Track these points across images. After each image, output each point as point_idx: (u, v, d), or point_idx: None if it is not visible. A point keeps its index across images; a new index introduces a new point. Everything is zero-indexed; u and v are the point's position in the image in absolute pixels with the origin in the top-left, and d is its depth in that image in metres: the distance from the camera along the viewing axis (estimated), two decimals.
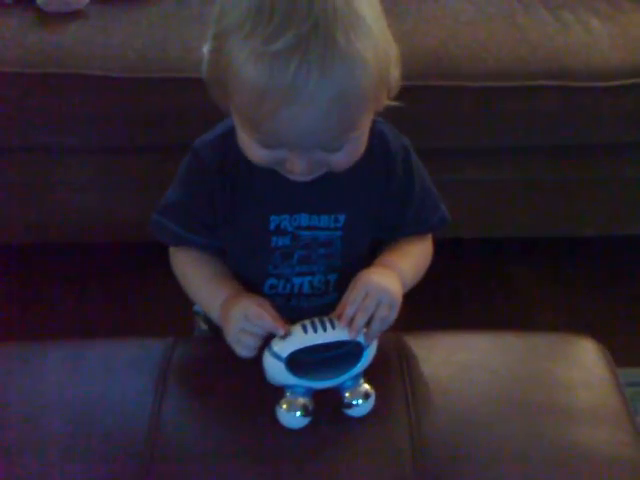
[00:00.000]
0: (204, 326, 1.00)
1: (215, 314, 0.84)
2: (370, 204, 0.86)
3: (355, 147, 0.76)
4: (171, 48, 1.38)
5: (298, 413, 0.79)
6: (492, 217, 1.58)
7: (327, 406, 0.81)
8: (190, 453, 0.79)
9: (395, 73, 0.76)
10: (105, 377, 0.86)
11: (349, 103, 0.69)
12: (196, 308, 1.01)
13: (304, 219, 0.84)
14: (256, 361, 0.79)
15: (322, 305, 0.87)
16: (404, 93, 1.48)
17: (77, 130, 1.40)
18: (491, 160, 1.50)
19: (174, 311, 1.14)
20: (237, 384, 0.84)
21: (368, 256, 0.89)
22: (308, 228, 0.85)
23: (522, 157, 1.50)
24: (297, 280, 0.87)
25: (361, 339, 0.78)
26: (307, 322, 0.78)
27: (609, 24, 1.48)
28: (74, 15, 1.45)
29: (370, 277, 0.80)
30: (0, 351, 0.90)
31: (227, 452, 0.79)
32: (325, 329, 0.78)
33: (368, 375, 0.82)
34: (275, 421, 0.80)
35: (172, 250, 0.90)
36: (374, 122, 0.83)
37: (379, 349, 0.82)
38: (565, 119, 1.42)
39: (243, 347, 0.79)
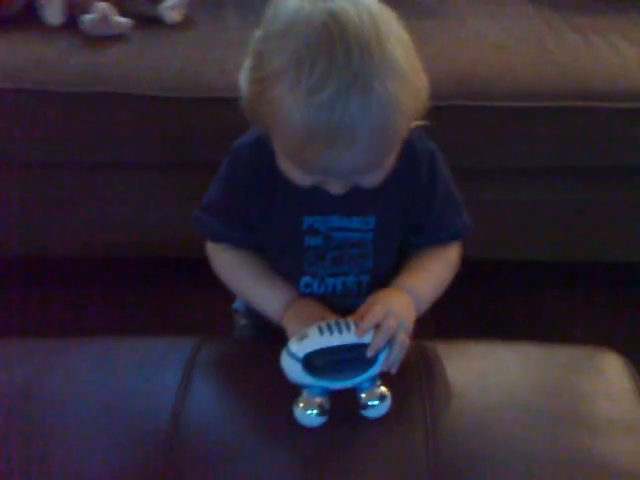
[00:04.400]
0: (243, 321, 1.04)
1: (274, 312, 0.89)
2: (398, 206, 0.89)
3: (387, 168, 0.80)
4: (207, 69, 1.43)
5: (314, 412, 0.81)
6: (522, 239, 1.58)
7: (344, 406, 0.82)
8: (208, 447, 0.81)
9: (426, 101, 0.80)
10: (132, 371, 0.89)
11: (386, 139, 0.75)
12: (235, 305, 1.05)
13: (336, 220, 0.88)
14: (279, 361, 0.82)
15: (356, 306, 0.88)
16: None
17: (115, 146, 1.45)
18: (521, 181, 1.51)
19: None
20: (259, 383, 0.87)
21: (397, 258, 0.93)
22: (340, 229, 0.89)
23: (552, 178, 1.51)
24: (330, 280, 0.91)
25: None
26: (324, 324, 0.81)
27: (638, 48, 1.50)
28: (116, 38, 1.52)
29: (392, 301, 0.84)
30: (38, 346, 0.94)
31: (244, 449, 0.81)
32: (341, 332, 0.80)
33: (386, 378, 0.83)
34: (293, 420, 0.82)
35: (211, 246, 0.95)
36: None
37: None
38: (593, 140, 1.43)
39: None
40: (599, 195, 1.52)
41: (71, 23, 1.55)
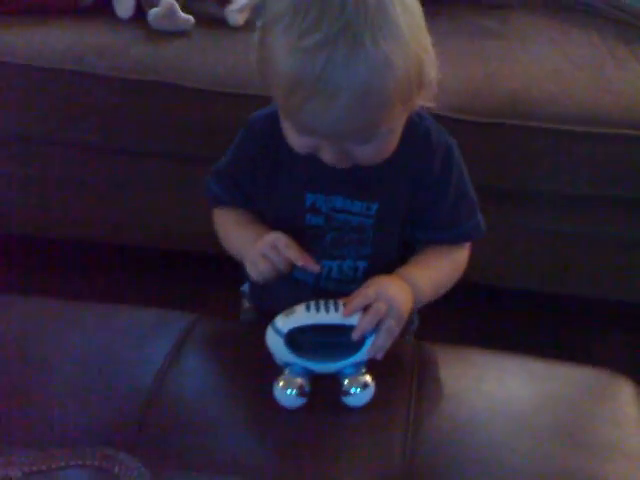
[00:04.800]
0: (247, 304, 1.04)
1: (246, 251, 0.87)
2: (404, 198, 0.87)
3: (384, 143, 0.79)
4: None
5: (294, 392, 0.79)
6: (559, 271, 1.53)
7: (325, 392, 0.81)
8: (185, 417, 0.80)
9: (431, 74, 0.77)
10: (124, 337, 0.90)
11: (372, 102, 0.72)
12: (242, 288, 1.05)
13: (339, 201, 0.87)
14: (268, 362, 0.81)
15: (349, 292, 0.87)
16: (478, 129, 1.49)
17: (161, 136, 1.49)
18: (569, 209, 1.47)
19: None
20: (247, 364, 0.86)
21: (400, 251, 0.91)
22: (342, 211, 0.88)
23: (598, 209, 1.46)
24: (327, 263, 0.90)
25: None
26: (312, 302, 0.80)
27: None
28: (179, 34, 1.57)
29: (387, 285, 0.82)
30: (39, 305, 0.96)
31: (222, 422, 0.80)
32: (328, 311, 0.79)
33: (376, 371, 0.81)
34: (275, 403, 0.80)
35: (215, 211, 0.96)
36: (421, 119, 0.87)
37: (395, 351, 0.82)
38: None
39: (256, 270, 0.83)
40: None
41: (140, 17, 1.60)
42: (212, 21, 1.63)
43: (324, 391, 0.81)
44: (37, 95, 1.49)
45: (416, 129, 0.86)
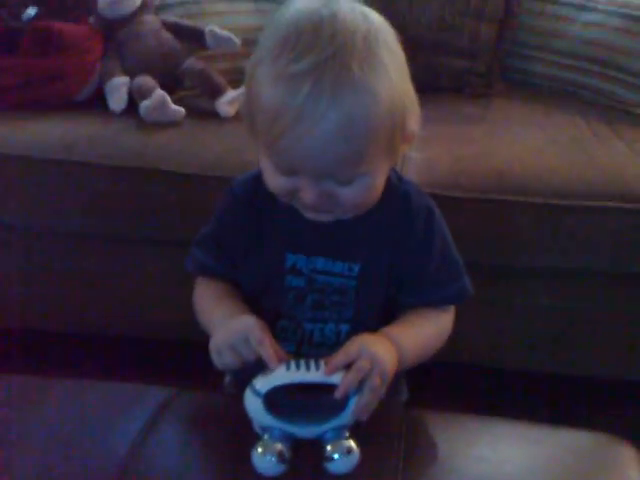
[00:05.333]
0: (228, 378, 1.00)
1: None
2: (386, 257, 0.86)
3: (365, 187, 0.78)
4: (247, 154, 1.47)
5: (273, 458, 0.75)
6: (561, 350, 1.50)
7: (307, 461, 0.77)
8: None
9: (413, 126, 0.79)
10: (98, 411, 0.86)
11: (357, 132, 0.72)
12: (227, 381, 1.01)
13: (320, 262, 0.86)
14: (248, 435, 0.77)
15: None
16: (466, 206, 1.50)
17: (152, 221, 1.50)
18: (559, 284, 1.46)
19: None
20: (227, 437, 0.82)
21: (383, 314, 0.88)
22: (323, 272, 0.86)
23: (591, 284, 1.45)
24: (308, 326, 0.88)
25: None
26: (292, 361, 0.77)
27: None
28: (170, 125, 1.61)
29: (371, 342, 0.79)
30: (22, 382, 0.93)
31: None
32: (309, 369, 0.76)
33: (362, 439, 0.77)
34: (254, 471, 0.76)
35: (197, 281, 0.94)
36: (401, 182, 0.88)
37: (382, 419, 0.79)
38: (631, 243, 1.37)
39: (220, 361, 0.79)
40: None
41: (132, 110, 1.64)
42: (203, 113, 1.68)
43: (305, 458, 0.76)
44: (30, 185, 1.51)
45: (396, 191, 0.87)
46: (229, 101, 1.67)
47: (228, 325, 0.81)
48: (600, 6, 1.80)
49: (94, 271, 1.57)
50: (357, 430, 0.77)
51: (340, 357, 0.77)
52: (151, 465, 0.79)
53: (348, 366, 0.76)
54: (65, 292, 1.58)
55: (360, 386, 0.76)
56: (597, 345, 1.48)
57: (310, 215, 0.82)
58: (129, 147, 1.51)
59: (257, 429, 0.79)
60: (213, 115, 1.67)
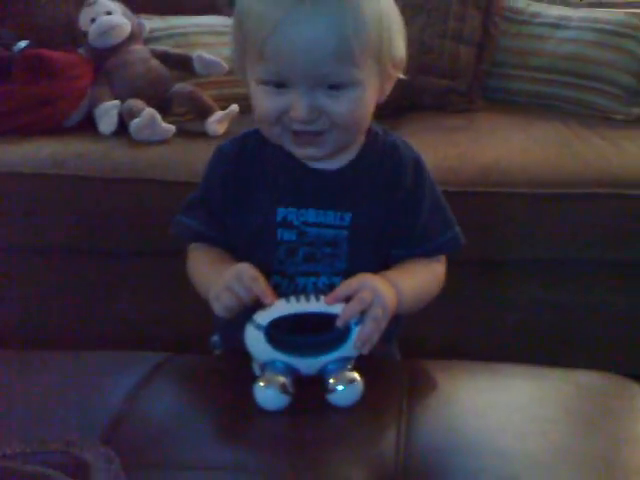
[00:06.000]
0: (218, 351, 0.99)
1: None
2: (377, 207, 0.87)
3: (354, 101, 0.80)
4: None
5: (275, 390, 0.74)
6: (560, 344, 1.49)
7: (311, 396, 0.75)
8: (160, 429, 0.74)
9: (401, 52, 0.83)
10: (92, 375, 0.85)
11: (345, 26, 0.76)
12: (213, 338, 1.00)
13: (311, 215, 0.86)
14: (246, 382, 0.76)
15: None
16: (454, 200, 1.51)
17: (146, 232, 1.50)
18: (553, 277, 1.46)
19: None
20: (223, 390, 0.80)
21: (376, 269, 0.87)
22: (314, 224, 0.86)
23: (585, 274, 1.45)
24: (301, 280, 0.87)
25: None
26: (292, 295, 0.77)
27: None
28: (159, 142, 1.63)
29: (371, 277, 0.80)
30: (7, 356, 0.91)
31: (200, 429, 0.74)
32: (309, 301, 0.76)
33: (367, 381, 0.76)
34: (256, 410, 0.75)
35: (190, 249, 0.93)
36: (387, 134, 0.89)
37: (382, 363, 0.78)
38: (621, 230, 1.39)
39: (221, 305, 0.79)
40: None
41: (122, 132, 1.67)
42: (192, 133, 1.71)
43: (308, 393, 0.75)
44: (22, 202, 1.52)
45: (383, 142, 0.88)
46: (218, 120, 1.70)
47: (223, 273, 0.82)
48: (573, 23, 1.88)
49: (85, 285, 1.56)
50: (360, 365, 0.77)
51: (341, 288, 0.77)
52: (147, 414, 0.77)
53: (349, 301, 0.76)
54: (57, 307, 1.56)
55: (362, 318, 0.76)
56: (592, 337, 1.47)
57: (299, 151, 0.83)
58: (119, 160, 1.53)
59: (256, 370, 0.78)
60: (202, 135, 1.70)
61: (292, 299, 0.76)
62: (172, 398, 0.81)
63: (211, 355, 1.00)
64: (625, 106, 1.76)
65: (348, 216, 0.86)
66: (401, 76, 0.85)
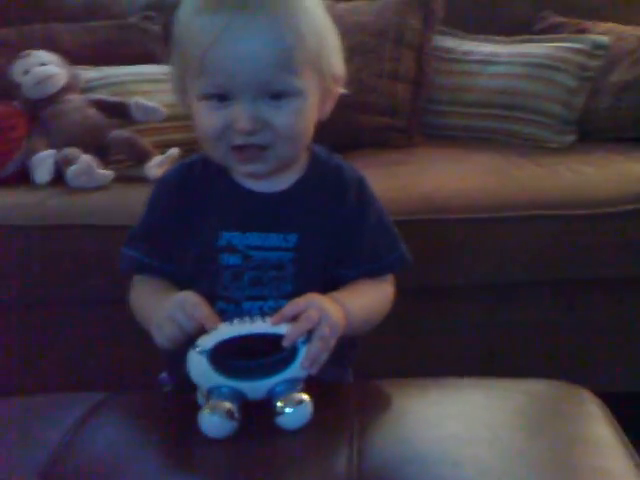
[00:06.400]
0: (168, 387, 0.95)
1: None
2: (322, 228, 0.86)
3: (296, 111, 0.80)
4: None
5: (221, 417, 0.71)
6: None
7: (258, 421, 0.73)
8: (99, 465, 0.71)
9: (339, 69, 0.84)
10: (29, 419, 0.81)
11: (284, 34, 0.77)
12: (161, 376, 0.97)
13: (255, 238, 0.85)
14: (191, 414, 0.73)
15: None
16: (398, 227, 1.52)
17: (87, 280, 1.46)
18: (498, 299, 1.47)
19: None
20: (167, 424, 0.78)
21: (323, 292, 0.85)
22: (258, 248, 0.85)
23: (531, 295, 1.46)
24: (247, 305, 0.85)
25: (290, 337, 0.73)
26: (236, 318, 0.75)
27: (601, 169, 1.54)
28: (97, 189, 1.60)
29: (318, 297, 0.79)
30: None
31: (143, 464, 0.71)
32: (254, 322, 0.74)
33: (317, 403, 0.74)
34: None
35: (133, 281, 0.91)
36: (330, 157, 0.90)
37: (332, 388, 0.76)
38: (560, 250, 1.41)
39: (163, 335, 0.76)
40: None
41: (59, 181, 1.63)
42: (131, 178, 1.69)
43: (256, 418, 0.73)
44: None
45: (327, 164, 0.89)
46: (158, 164, 1.68)
47: (165, 302, 0.80)
48: (503, 58, 1.93)
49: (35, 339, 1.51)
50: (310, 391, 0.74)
51: (287, 308, 0.76)
52: (86, 450, 0.73)
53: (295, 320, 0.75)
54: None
55: (309, 337, 0.74)
56: (540, 355, 1.47)
57: (243, 168, 0.83)
58: (56, 207, 1.50)
59: (201, 399, 0.75)
60: (142, 180, 1.67)
61: (236, 321, 0.74)
62: (113, 433, 0.77)
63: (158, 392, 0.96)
64: (558, 134, 1.80)
65: (294, 237, 0.85)
66: (342, 91, 0.86)
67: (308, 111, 0.81)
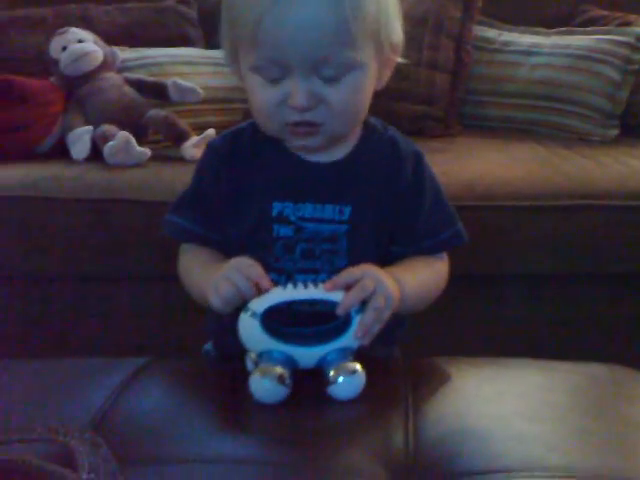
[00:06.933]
0: (207, 344, 0.94)
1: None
2: (377, 201, 0.84)
3: (352, 87, 0.76)
4: None
5: (273, 381, 0.69)
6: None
7: (310, 388, 0.71)
8: (148, 423, 0.69)
9: (399, 37, 0.80)
10: (74, 379, 0.80)
11: (344, 10, 0.72)
12: (205, 347, 0.95)
13: (308, 209, 0.82)
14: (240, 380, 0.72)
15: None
16: None
17: (119, 256, 1.45)
18: (544, 290, 1.44)
19: None
20: (211, 397, 0.75)
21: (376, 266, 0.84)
22: (312, 220, 0.83)
23: (567, 287, 1.43)
24: (299, 277, 0.82)
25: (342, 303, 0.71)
26: (289, 283, 0.73)
27: None
28: (134, 166, 1.59)
29: (373, 267, 0.77)
30: None
31: (194, 423, 0.69)
32: (307, 288, 0.72)
33: (369, 376, 0.72)
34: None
35: (181, 250, 0.89)
36: (385, 129, 0.87)
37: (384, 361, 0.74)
38: (599, 243, 1.38)
39: (218, 295, 0.74)
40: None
41: (96, 157, 1.63)
42: (168, 157, 1.67)
43: (308, 385, 0.71)
44: None
45: (382, 136, 0.86)
46: (194, 144, 1.67)
47: (220, 267, 0.78)
48: (545, 50, 1.90)
49: (64, 313, 1.50)
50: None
51: (342, 275, 0.73)
52: (133, 410, 0.72)
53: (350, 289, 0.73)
54: (32, 336, 1.49)
55: (363, 307, 0.72)
56: (587, 350, 1.43)
57: (296, 143, 0.80)
58: (93, 182, 1.49)
59: (250, 365, 0.73)
60: (179, 159, 1.66)
61: (289, 286, 0.72)
62: (159, 395, 0.75)
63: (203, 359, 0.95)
64: (601, 128, 1.77)
65: (348, 209, 0.83)
66: (400, 60, 0.82)
67: (366, 84, 0.78)
